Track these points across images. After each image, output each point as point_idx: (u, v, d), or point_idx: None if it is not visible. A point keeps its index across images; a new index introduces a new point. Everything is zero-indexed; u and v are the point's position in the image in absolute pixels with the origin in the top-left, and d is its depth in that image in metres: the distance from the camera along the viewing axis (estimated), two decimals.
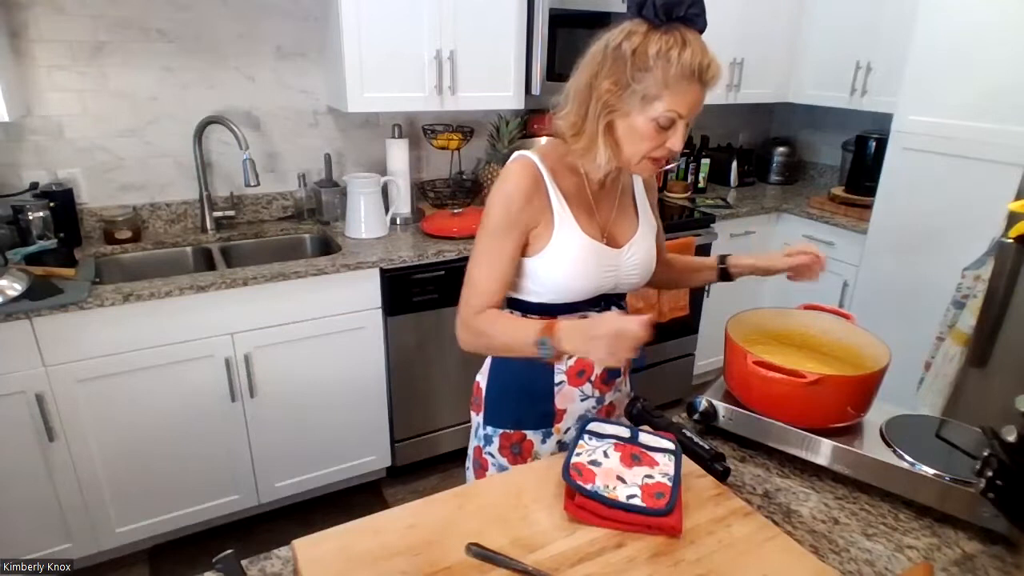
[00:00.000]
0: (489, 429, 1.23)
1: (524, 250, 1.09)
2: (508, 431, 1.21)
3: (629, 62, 0.95)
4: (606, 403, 1.23)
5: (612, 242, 1.13)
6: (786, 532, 0.88)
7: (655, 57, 0.93)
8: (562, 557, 0.80)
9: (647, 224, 1.19)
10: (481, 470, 1.27)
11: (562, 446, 1.22)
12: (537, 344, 0.97)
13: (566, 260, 1.07)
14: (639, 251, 1.15)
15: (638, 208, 1.20)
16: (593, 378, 1.18)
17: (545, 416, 1.19)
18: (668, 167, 2.87)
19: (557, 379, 1.17)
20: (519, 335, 1.01)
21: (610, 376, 1.20)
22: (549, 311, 1.12)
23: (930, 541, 0.90)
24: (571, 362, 1.16)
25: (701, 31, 0.95)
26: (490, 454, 1.24)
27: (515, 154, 1.10)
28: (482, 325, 1.06)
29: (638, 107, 0.97)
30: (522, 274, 1.11)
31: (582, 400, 1.19)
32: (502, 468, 1.24)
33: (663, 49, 0.92)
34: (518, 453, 1.22)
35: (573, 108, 1.03)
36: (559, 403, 1.18)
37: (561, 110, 1.06)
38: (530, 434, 1.20)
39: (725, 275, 1.31)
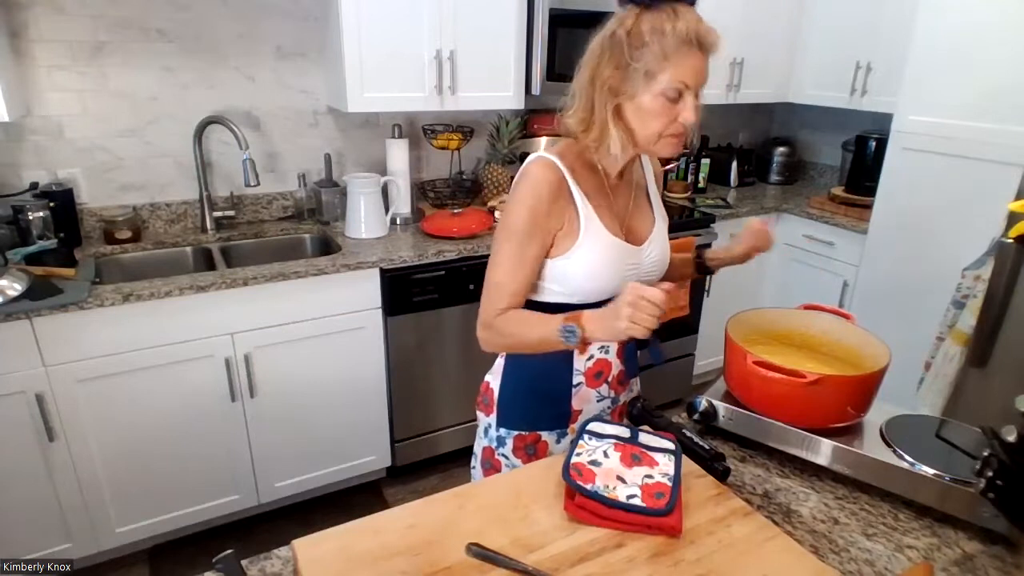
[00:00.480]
0: (502, 431, 1.21)
1: (547, 251, 1.08)
2: (523, 433, 1.20)
3: (625, 43, 0.96)
4: (620, 404, 1.23)
5: (632, 239, 1.13)
6: (786, 532, 0.88)
7: (650, 33, 0.95)
8: (562, 557, 0.80)
9: (661, 219, 1.19)
10: (493, 470, 1.25)
11: None
12: (562, 332, 0.98)
13: (593, 261, 1.07)
14: (657, 247, 1.15)
15: (652, 203, 1.20)
16: (610, 379, 1.18)
17: (561, 416, 1.18)
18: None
19: (575, 380, 1.16)
20: (546, 328, 1.02)
21: (627, 376, 1.20)
22: (567, 311, 1.10)
23: (930, 541, 0.90)
24: (590, 364, 1.15)
25: (692, 3, 0.97)
26: (504, 455, 1.22)
27: (532, 156, 1.08)
28: (508, 325, 1.07)
29: (643, 85, 0.97)
30: (543, 275, 1.10)
31: (598, 401, 1.19)
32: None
33: (656, 24, 0.94)
34: (533, 454, 1.20)
35: (580, 104, 1.04)
36: (576, 404, 1.18)
37: (569, 109, 1.06)
38: (545, 435, 1.19)
39: (703, 268, 1.33)
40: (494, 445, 1.23)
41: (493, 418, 1.22)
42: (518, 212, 1.04)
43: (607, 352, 1.15)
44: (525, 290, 1.07)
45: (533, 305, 1.12)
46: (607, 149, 1.03)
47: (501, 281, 1.06)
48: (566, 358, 1.14)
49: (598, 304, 1.11)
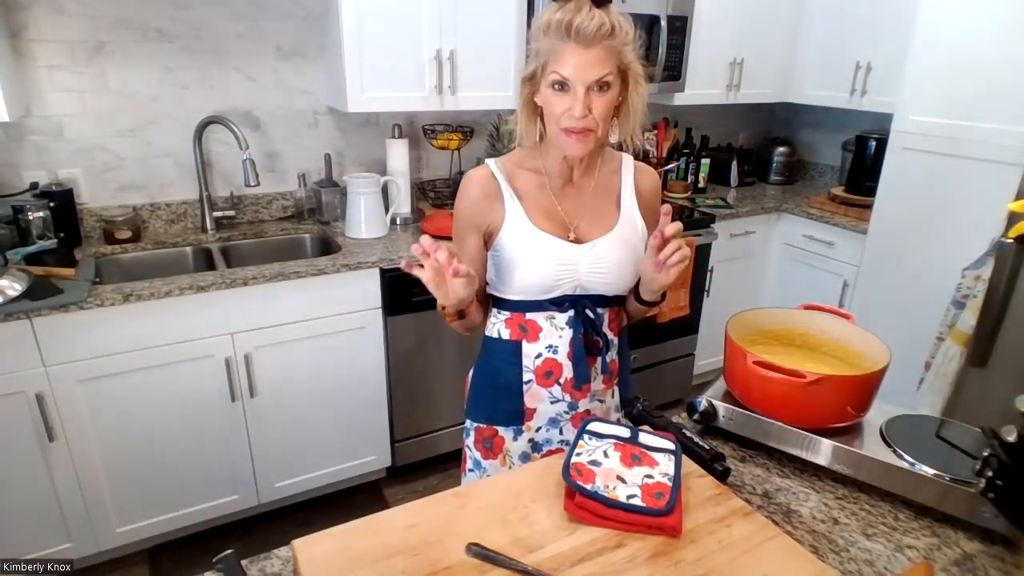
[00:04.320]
0: (468, 422, 1.27)
1: (487, 244, 1.16)
2: (482, 425, 1.24)
3: (531, 37, 1.05)
4: (580, 410, 1.22)
5: (579, 240, 1.14)
6: (786, 532, 0.88)
7: (541, 29, 1.02)
8: (562, 557, 0.80)
9: (628, 227, 1.16)
10: (463, 463, 1.31)
11: (534, 445, 1.23)
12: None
13: (514, 252, 1.11)
14: (608, 250, 1.13)
15: (621, 210, 1.17)
16: (562, 380, 1.18)
17: (516, 414, 1.21)
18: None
19: (526, 377, 1.19)
20: None
21: (578, 381, 1.18)
22: (517, 308, 1.16)
23: (930, 541, 0.90)
24: (539, 362, 1.17)
25: (598, 5, 0.99)
26: (468, 447, 1.28)
27: (483, 162, 1.18)
28: None
29: (541, 78, 1.04)
30: (489, 268, 1.17)
31: (552, 403, 1.20)
32: (476, 462, 1.27)
33: (549, 17, 1.00)
34: (490, 448, 1.24)
35: (517, 107, 1.13)
36: (528, 402, 1.20)
37: (514, 116, 1.15)
38: (501, 430, 1.23)
39: (638, 297, 1.17)
40: (464, 436, 1.29)
41: (465, 409, 1.29)
42: (455, 211, 1.18)
43: (555, 353, 1.17)
44: None
45: (494, 301, 1.20)
46: (532, 138, 1.12)
47: None
48: (515, 353, 1.17)
49: (541, 304, 1.14)
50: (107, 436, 1.85)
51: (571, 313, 1.15)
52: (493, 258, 1.15)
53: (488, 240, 1.15)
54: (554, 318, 1.15)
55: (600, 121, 1.03)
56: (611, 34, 0.99)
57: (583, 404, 1.22)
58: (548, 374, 1.18)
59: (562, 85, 1.01)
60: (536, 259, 1.11)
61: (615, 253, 1.13)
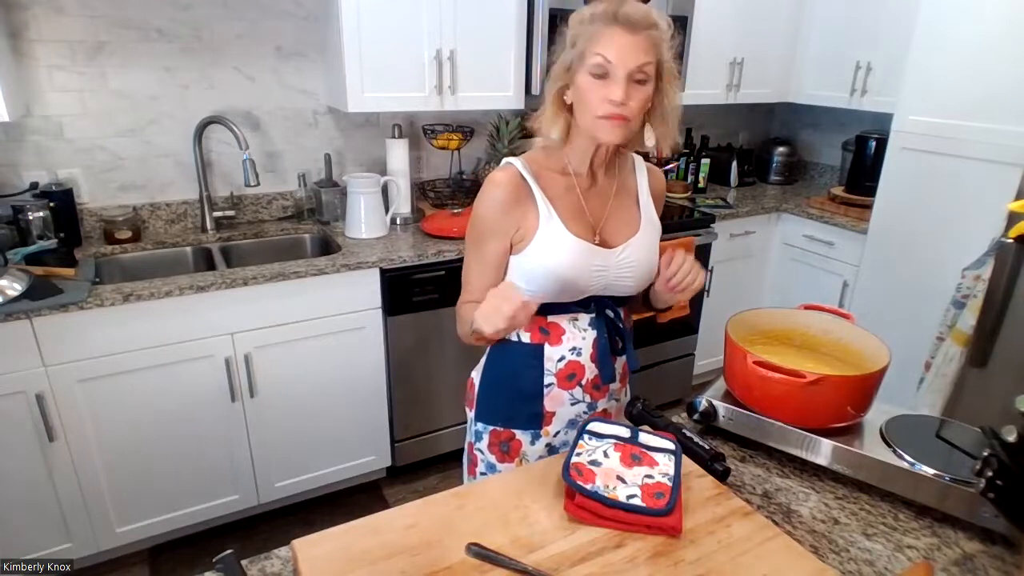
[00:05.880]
0: (480, 425, 1.25)
1: (511, 248, 1.12)
2: (498, 428, 1.23)
3: (568, 33, 1.04)
4: (598, 410, 1.22)
5: (606, 243, 1.13)
6: (786, 532, 0.88)
7: (584, 19, 1.02)
8: (562, 557, 0.80)
9: (650, 228, 1.17)
10: (471, 466, 1.29)
11: (551, 449, 1.22)
12: (472, 323, 1.06)
13: (549, 257, 1.09)
14: (635, 254, 1.14)
15: (641, 211, 1.18)
16: (584, 382, 1.18)
17: (534, 417, 1.19)
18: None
19: (547, 381, 1.17)
20: (470, 316, 1.08)
21: (602, 381, 1.19)
22: (540, 311, 1.13)
23: (930, 541, 0.90)
24: (561, 365, 1.16)
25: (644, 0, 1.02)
26: (480, 450, 1.26)
27: (503, 161, 1.13)
28: (461, 314, 1.17)
29: (577, 67, 1.02)
30: (509, 272, 1.13)
31: (572, 404, 1.19)
32: (490, 465, 1.25)
33: (593, 9, 1.01)
34: (506, 452, 1.23)
35: (545, 102, 1.10)
36: (548, 405, 1.19)
37: (539, 112, 1.12)
38: (519, 434, 1.21)
39: (647, 301, 1.25)
40: (473, 440, 1.27)
41: (473, 412, 1.26)
42: (475, 214, 1.12)
43: (579, 355, 1.16)
44: (489, 285, 1.08)
45: None
46: (559, 136, 1.09)
47: (464, 277, 1.17)
48: (536, 356, 1.16)
49: (566, 307, 1.13)
50: (107, 436, 1.85)
51: (594, 314, 1.15)
52: (525, 264, 1.11)
53: (516, 244, 1.11)
54: (577, 319, 1.15)
55: (636, 113, 1.02)
56: (655, 24, 1.00)
57: (601, 404, 1.22)
58: (571, 376, 1.17)
59: (603, 70, 0.99)
60: (574, 266, 1.09)
61: (641, 256, 1.14)
